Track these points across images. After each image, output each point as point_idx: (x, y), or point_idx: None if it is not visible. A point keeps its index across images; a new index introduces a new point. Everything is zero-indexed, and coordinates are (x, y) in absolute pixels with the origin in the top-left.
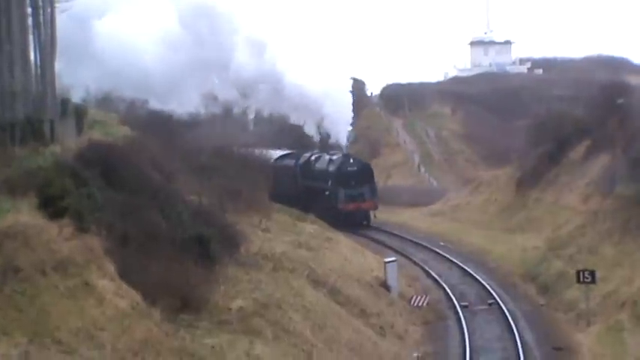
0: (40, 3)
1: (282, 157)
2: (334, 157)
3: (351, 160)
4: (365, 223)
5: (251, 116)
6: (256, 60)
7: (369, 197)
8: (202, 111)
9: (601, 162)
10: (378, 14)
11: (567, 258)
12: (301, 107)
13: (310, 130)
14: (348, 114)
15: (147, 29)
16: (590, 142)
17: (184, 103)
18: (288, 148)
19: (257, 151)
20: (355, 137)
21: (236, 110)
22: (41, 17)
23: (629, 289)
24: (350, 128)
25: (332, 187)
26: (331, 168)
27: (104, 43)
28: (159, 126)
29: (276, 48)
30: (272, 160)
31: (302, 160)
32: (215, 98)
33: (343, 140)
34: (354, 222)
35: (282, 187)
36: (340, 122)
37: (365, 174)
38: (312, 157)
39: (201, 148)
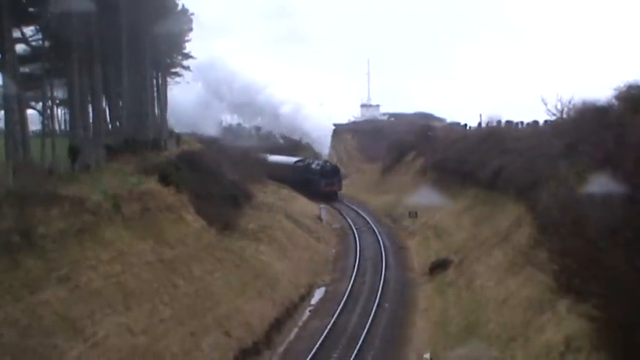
0: (160, 84)
1: (297, 161)
2: (320, 162)
3: (328, 164)
4: (334, 197)
5: (259, 132)
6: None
7: (337, 183)
8: (228, 134)
9: (420, 162)
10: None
11: (404, 206)
12: (301, 134)
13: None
14: (328, 140)
15: (188, 95)
16: (415, 152)
17: (216, 129)
18: (297, 156)
19: (275, 157)
20: (330, 153)
21: (247, 132)
22: (160, 91)
23: (432, 220)
24: (329, 149)
25: (318, 178)
26: (318, 167)
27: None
28: (213, 142)
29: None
30: (292, 163)
31: (305, 163)
32: (235, 127)
33: (324, 153)
34: (328, 197)
35: (296, 178)
36: (324, 144)
37: (335, 171)
38: (311, 162)
39: (233, 152)
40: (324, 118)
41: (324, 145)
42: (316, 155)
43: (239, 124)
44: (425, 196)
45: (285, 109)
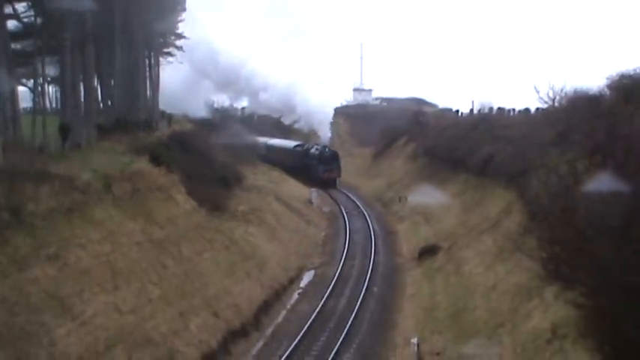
0: (153, 65)
1: (296, 146)
2: (319, 147)
3: (327, 149)
4: (332, 184)
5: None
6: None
7: (336, 170)
8: (217, 115)
9: (411, 147)
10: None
11: (395, 190)
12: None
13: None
14: (328, 122)
15: (176, 75)
16: (406, 137)
17: (206, 110)
18: (296, 140)
19: (273, 140)
20: (330, 138)
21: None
22: (152, 71)
23: (421, 205)
24: (329, 133)
25: (316, 163)
26: (317, 153)
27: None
28: (204, 124)
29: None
30: (291, 147)
31: (305, 147)
32: (226, 108)
33: (325, 138)
34: (326, 184)
35: (294, 162)
36: (324, 129)
37: (334, 157)
38: (310, 147)
39: (224, 134)
40: (319, 98)
41: (321, 127)
42: (308, 137)
43: (230, 105)
44: (423, 194)
45: (276, 89)
